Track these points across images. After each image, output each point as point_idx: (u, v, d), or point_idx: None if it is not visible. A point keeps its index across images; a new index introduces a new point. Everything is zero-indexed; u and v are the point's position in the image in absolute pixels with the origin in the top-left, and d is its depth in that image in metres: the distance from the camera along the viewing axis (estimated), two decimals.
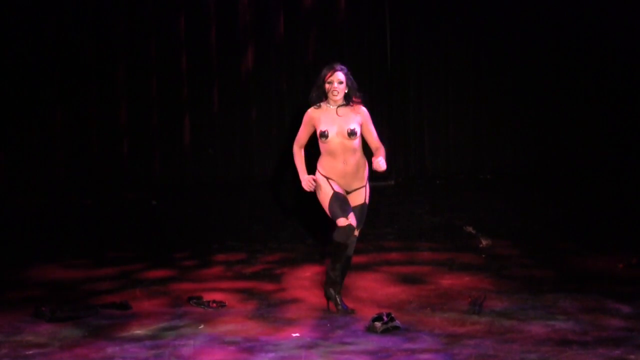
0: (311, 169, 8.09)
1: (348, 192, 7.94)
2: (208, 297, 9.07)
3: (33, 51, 14.57)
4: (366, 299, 8.85)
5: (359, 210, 7.95)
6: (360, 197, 7.96)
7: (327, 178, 7.88)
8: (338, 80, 7.81)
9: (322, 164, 7.95)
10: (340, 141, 7.79)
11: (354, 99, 7.86)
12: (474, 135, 14.85)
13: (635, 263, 9.97)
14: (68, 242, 12.00)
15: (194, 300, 8.98)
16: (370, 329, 7.78)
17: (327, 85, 7.84)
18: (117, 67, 14.84)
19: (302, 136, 8.06)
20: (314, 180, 7.88)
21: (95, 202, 14.01)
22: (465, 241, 11.40)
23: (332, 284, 8.15)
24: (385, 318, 7.80)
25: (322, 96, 7.88)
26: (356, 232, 8.00)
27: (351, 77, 7.88)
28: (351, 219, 7.83)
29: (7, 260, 11.08)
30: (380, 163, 7.64)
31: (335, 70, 7.85)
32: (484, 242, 11.15)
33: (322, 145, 7.89)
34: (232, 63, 14.87)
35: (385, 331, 7.73)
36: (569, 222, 12.17)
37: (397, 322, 7.83)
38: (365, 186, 8.00)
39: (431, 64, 14.84)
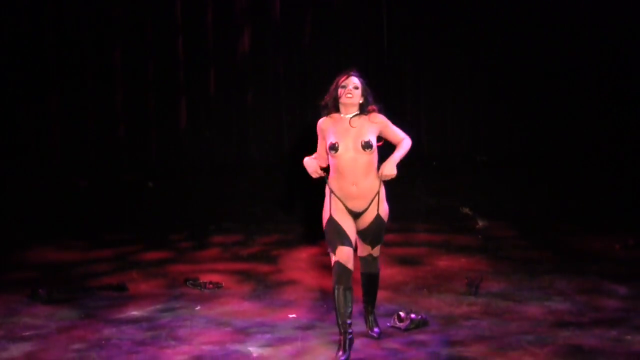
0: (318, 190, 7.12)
1: (359, 214, 6.83)
2: (205, 278, 9.05)
3: (29, 36, 14.49)
4: None
5: (370, 228, 6.84)
6: (371, 212, 6.81)
7: (332, 193, 6.78)
8: (353, 85, 6.78)
9: (331, 181, 6.81)
10: (352, 156, 6.67)
11: (369, 108, 6.85)
12: (470, 117, 14.80)
13: (631, 244, 9.95)
14: (65, 224, 11.98)
15: (191, 282, 8.95)
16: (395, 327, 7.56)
17: (340, 90, 6.77)
18: (113, 51, 14.76)
19: (320, 151, 6.94)
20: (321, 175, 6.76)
21: (92, 184, 13.96)
22: (462, 223, 11.37)
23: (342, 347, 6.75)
24: (402, 315, 7.55)
25: (334, 105, 6.82)
26: (372, 252, 6.99)
27: (367, 87, 6.88)
28: (340, 256, 6.65)
29: (4, 242, 11.06)
30: (385, 170, 6.68)
31: (351, 75, 6.83)
32: (481, 224, 11.13)
33: (332, 161, 6.77)
34: (229, 46, 14.79)
35: (413, 328, 7.52)
36: (566, 204, 12.15)
37: (418, 316, 7.58)
38: (377, 195, 6.81)
39: (428, 47, 14.76)
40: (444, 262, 9.58)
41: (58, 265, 9.97)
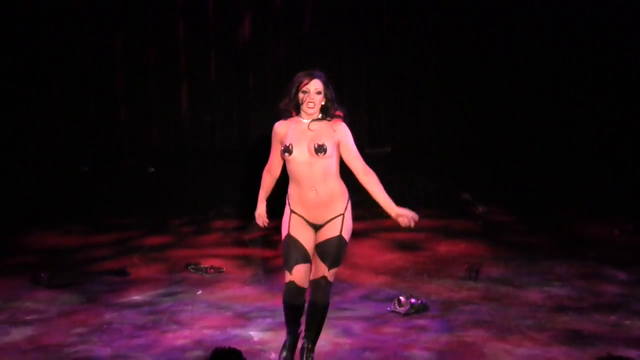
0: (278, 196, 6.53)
1: (320, 226, 6.18)
2: (206, 263, 9.04)
3: (31, 22, 14.47)
4: (363, 265, 8.82)
5: (330, 245, 6.12)
6: (333, 228, 6.13)
7: (292, 212, 6.19)
8: (315, 90, 6.04)
9: (290, 192, 6.21)
10: (306, 160, 6.04)
11: (334, 113, 6.14)
12: (467, 105, 14.76)
13: (630, 229, 9.95)
14: (66, 209, 11.95)
15: (192, 267, 8.95)
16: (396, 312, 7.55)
17: (301, 95, 6.07)
18: (114, 36, 14.74)
19: (273, 159, 6.28)
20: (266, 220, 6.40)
21: (93, 169, 13.95)
22: (461, 208, 11.35)
23: (287, 348, 6.25)
24: (402, 300, 7.53)
25: (294, 107, 6.16)
26: (327, 274, 6.15)
27: (330, 86, 6.14)
28: (296, 275, 6.09)
29: (5, 227, 11.05)
30: (405, 217, 6.11)
31: (313, 78, 6.07)
32: (480, 209, 11.10)
33: (287, 167, 6.13)
34: (229, 32, 14.77)
35: (413, 313, 7.51)
36: (565, 190, 12.13)
37: (418, 301, 7.57)
38: (342, 215, 6.14)
39: (429, 36, 14.73)
40: (444, 248, 9.57)
41: (60, 250, 9.95)
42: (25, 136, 14.52)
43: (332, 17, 14.71)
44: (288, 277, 6.11)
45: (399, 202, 11.60)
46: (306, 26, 14.76)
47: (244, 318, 7.46)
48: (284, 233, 6.22)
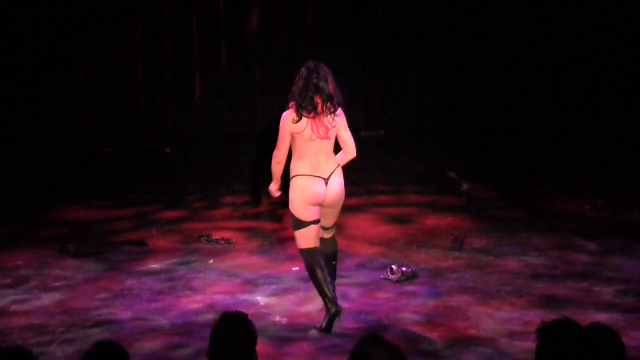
0: None
1: None
2: (217, 235, 9.03)
3: (60, 19, 14.42)
4: (359, 237, 8.80)
5: None
6: None
7: None
8: None
9: None
10: None
11: None
12: (453, 92, 14.66)
13: (600, 205, 9.92)
14: (91, 186, 11.92)
15: (205, 238, 8.94)
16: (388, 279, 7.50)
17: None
18: (134, 30, 14.68)
19: None
20: None
21: (116, 150, 13.91)
22: (448, 185, 11.32)
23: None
24: (395, 268, 7.49)
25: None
26: None
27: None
28: None
29: (36, 202, 11.02)
30: None
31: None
32: (465, 187, 11.06)
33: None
34: (239, 26, 14.71)
35: (404, 280, 7.45)
36: (542, 169, 12.08)
37: (408, 270, 7.53)
38: None
39: (417, 29, 14.63)
40: (432, 221, 9.54)
41: (85, 223, 9.93)
42: (55, 120, 14.47)
43: (331, 11, 14.65)
44: None
45: (391, 180, 11.59)
46: (308, 20, 14.70)
47: (252, 285, 7.46)
48: None
